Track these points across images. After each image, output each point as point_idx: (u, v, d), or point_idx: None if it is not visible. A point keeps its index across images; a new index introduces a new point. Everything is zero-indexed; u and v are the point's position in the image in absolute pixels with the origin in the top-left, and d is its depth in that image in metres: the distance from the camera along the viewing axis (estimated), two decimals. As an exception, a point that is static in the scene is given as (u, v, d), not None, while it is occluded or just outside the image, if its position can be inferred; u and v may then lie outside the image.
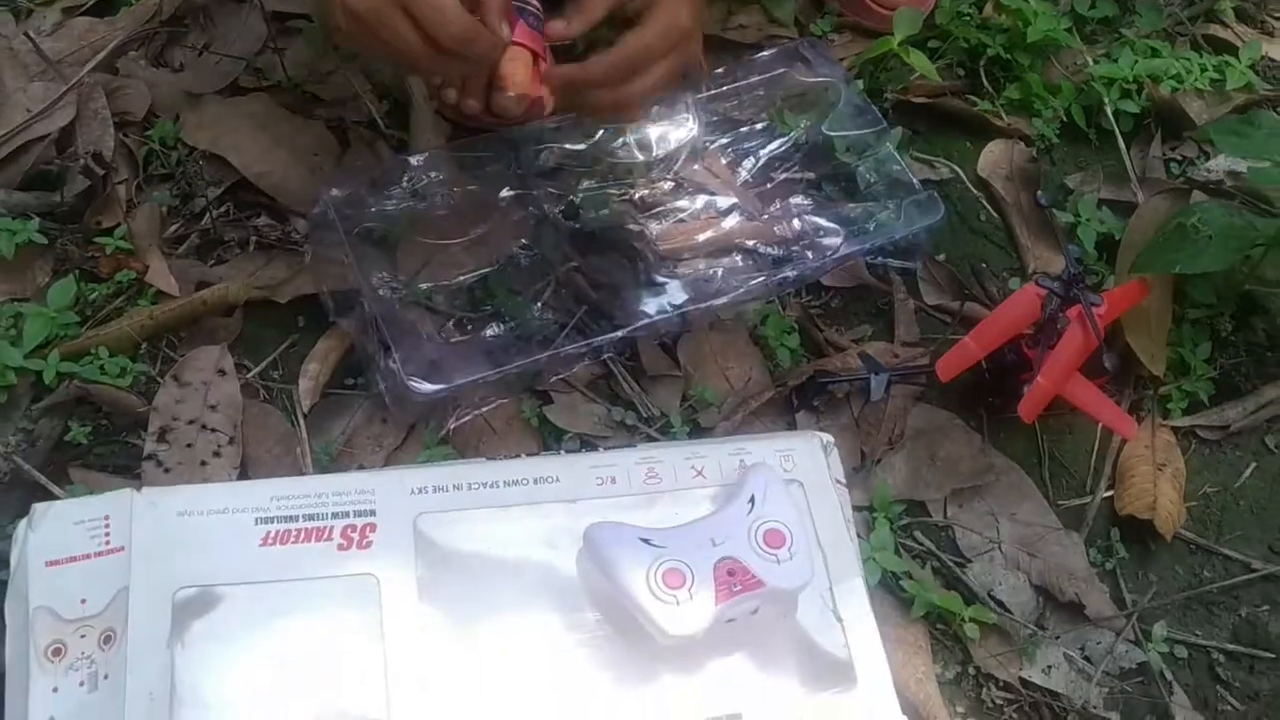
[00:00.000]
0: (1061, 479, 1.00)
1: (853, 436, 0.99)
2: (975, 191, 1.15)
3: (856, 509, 0.91)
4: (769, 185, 1.09)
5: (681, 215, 1.06)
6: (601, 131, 1.08)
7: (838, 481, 0.86)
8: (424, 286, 0.99)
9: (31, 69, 1.09)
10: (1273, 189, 1.09)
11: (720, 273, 1.02)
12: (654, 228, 1.04)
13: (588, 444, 0.95)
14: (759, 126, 1.13)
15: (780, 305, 1.05)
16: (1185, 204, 1.12)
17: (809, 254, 1.04)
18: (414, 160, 1.03)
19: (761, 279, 1.00)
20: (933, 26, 1.23)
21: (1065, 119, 1.20)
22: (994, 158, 1.17)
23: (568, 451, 0.93)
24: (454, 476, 0.81)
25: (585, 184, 1.06)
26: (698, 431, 0.97)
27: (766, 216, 1.07)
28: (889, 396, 0.99)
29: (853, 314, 1.08)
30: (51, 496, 0.87)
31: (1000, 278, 1.11)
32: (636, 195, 1.06)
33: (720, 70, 1.13)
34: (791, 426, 0.99)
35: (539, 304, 1.01)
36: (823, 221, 1.06)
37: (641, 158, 1.08)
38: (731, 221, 1.06)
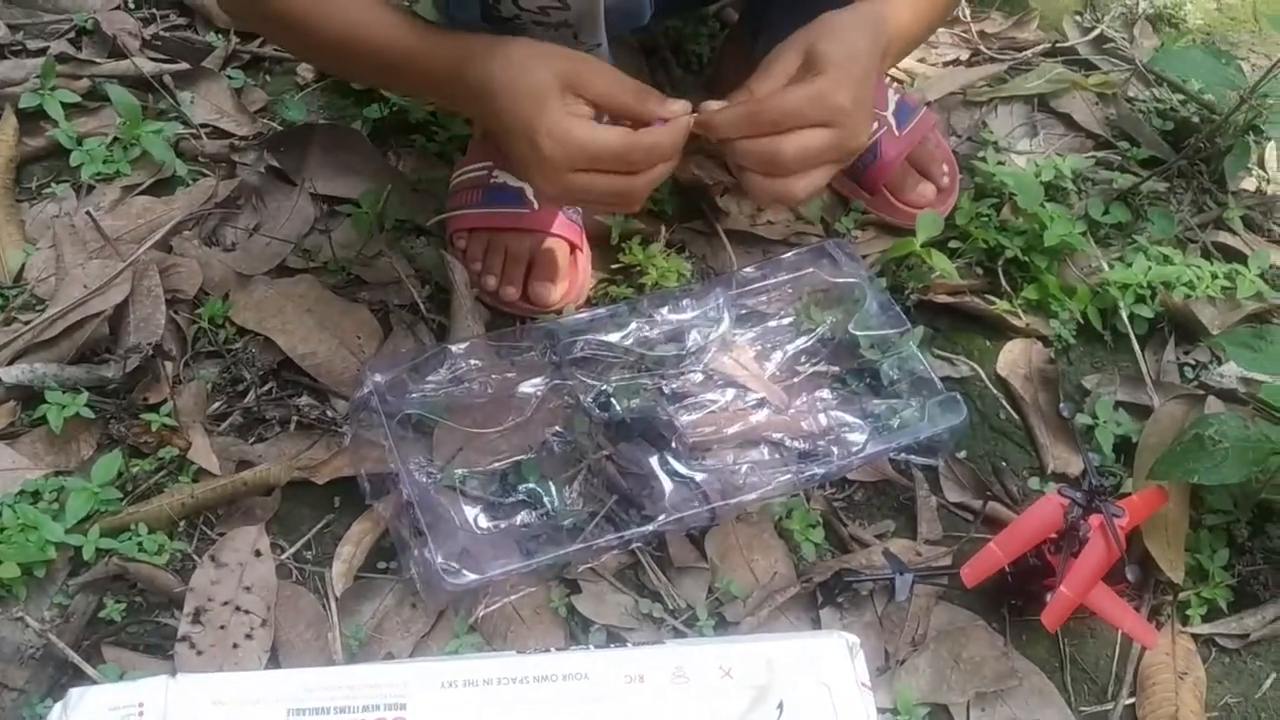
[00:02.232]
0: (1083, 684, 1.01)
1: (876, 635, 1.00)
2: (995, 390, 1.18)
3: (880, 710, 0.91)
4: (795, 379, 1.13)
5: (711, 407, 1.09)
6: (634, 324, 1.11)
7: (863, 685, 0.86)
8: (459, 472, 1.01)
9: (90, 245, 1.13)
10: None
11: (747, 467, 1.04)
12: (684, 419, 1.07)
13: (615, 637, 0.96)
14: (786, 322, 1.16)
15: (805, 498, 1.07)
16: (1200, 410, 1.14)
17: (834, 449, 1.06)
18: (455, 349, 1.06)
19: (789, 476, 1.03)
20: (953, 227, 1.27)
21: (1081, 321, 1.24)
22: (1012, 357, 1.20)
23: (597, 647, 0.93)
24: (485, 671, 0.82)
25: (618, 374, 1.10)
26: (723, 625, 0.98)
27: (793, 411, 1.10)
28: (913, 596, 1.01)
29: (876, 508, 1.09)
30: (84, 675, 0.88)
31: (1020, 476, 1.13)
32: (668, 387, 1.09)
33: (750, 267, 1.18)
34: (816, 621, 1.00)
35: (570, 491, 1.03)
36: (848, 417, 1.09)
37: (674, 350, 1.11)
38: (760, 415, 1.09)
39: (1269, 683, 1.03)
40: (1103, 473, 1.12)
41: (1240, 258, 1.33)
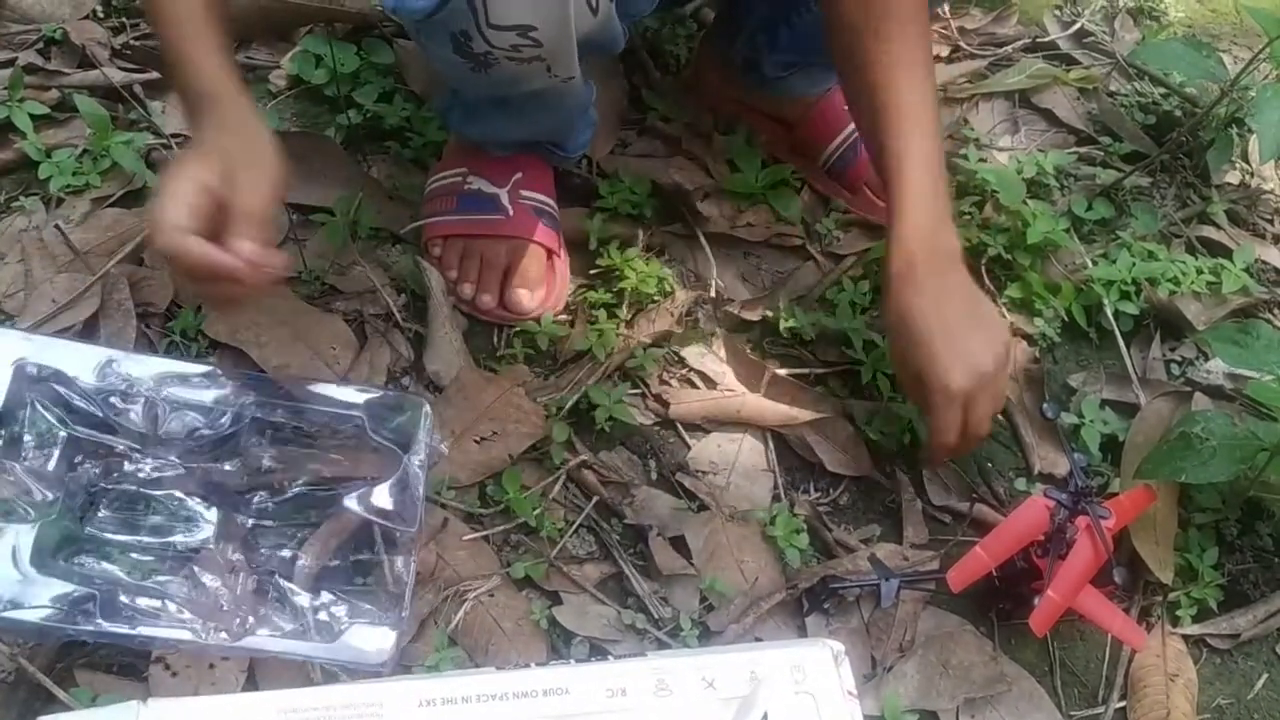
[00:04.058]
0: (1074, 688, 0.99)
1: (863, 641, 0.98)
2: (980, 390, 1.17)
3: (867, 718, 0.90)
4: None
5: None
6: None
7: (849, 693, 0.85)
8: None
9: (60, 259, 1.11)
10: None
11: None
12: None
13: (597, 649, 0.94)
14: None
15: (789, 503, 1.06)
16: (1187, 407, 1.13)
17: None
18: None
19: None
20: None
21: (1066, 318, 1.23)
22: (997, 356, 1.19)
23: (578, 661, 0.92)
24: (463, 688, 0.80)
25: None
26: (708, 635, 0.97)
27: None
28: (899, 601, 0.99)
29: (861, 512, 1.08)
30: (54, 699, 0.86)
31: (1007, 477, 1.12)
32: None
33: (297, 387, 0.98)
34: (801, 629, 0.99)
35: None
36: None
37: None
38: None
39: (1261, 683, 1.02)
40: (1090, 472, 1.11)
41: (1225, 252, 1.32)
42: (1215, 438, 1.01)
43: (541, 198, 1.17)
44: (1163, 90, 1.49)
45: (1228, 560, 1.07)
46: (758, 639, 0.97)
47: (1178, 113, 1.46)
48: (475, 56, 0.91)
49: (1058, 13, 1.59)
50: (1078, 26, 1.56)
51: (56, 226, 1.13)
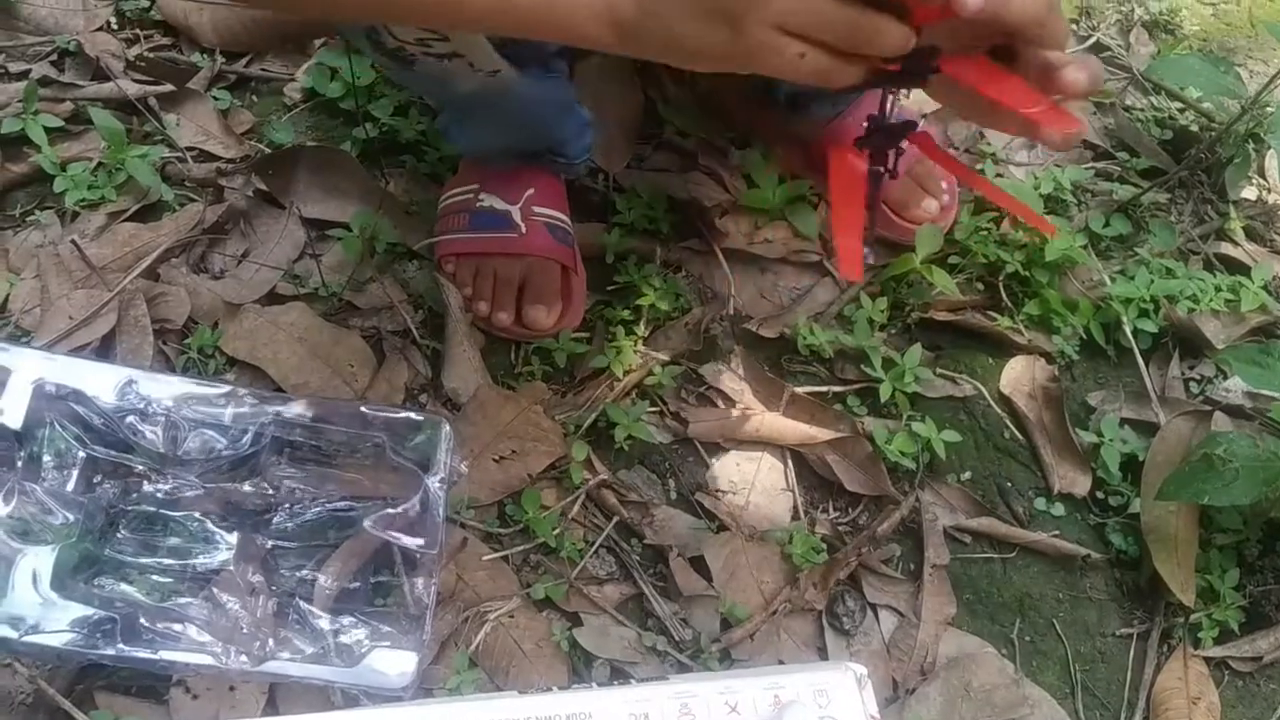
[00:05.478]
0: (1095, 711, 0.99)
1: (884, 663, 0.98)
2: (998, 409, 1.16)
3: (890, 743, 0.90)
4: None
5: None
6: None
7: (872, 717, 0.84)
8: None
9: (76, 275, 1.11)
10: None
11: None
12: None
13: (618, 672, 0.94)
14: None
15: (809, 522, 1.06)
16: (1207, 426, 1.13)
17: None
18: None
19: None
20: (953, 242, 1.26)
21: (1084, 336, 1.22)
22: (1015, 374, 1.18)
23: (600, 685, 0.92)
24: (485, 713, 0.80)
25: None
26: (728, 658, 0.96)
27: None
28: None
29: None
30: (74, 722, 0.86)
31: (1026, 497, 1.11)
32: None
33: (314, 409, 0.96)
34: (823, 650, 0.98)
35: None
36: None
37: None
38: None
39: (1283, 706, 1.01)
40: (1109, 492, 1.11)
41: (1243, 269, 1.31)
42: (1237, 459, 1.00)
43: (554, 213, 1.16)
44: (1179, 105, 1.49)
45: (1249, 581, 1.07)
46: (780, 661, 0.97)
47: (1194, 127, 1.45)
48: (393, 53, 0.91)
49: (1074, 27, 1.58)
50: (1093, 40, 1.56)
51: (72, 242, 1.13)
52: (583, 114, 1.15)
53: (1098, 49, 1.56)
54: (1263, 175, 1.42)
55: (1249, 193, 1.41)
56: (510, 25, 0.72)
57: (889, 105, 0.80)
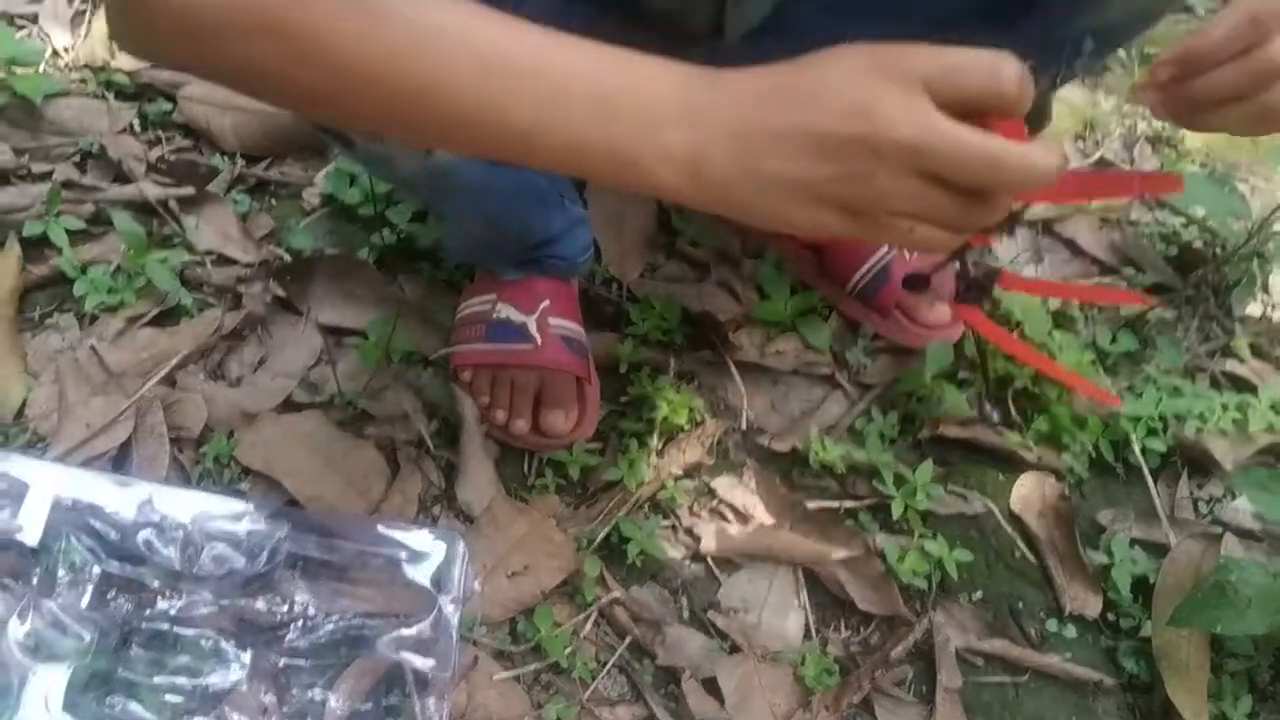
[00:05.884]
0: (1110, 842, 0.98)
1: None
2: (1009, 528, 1.16)
3: None
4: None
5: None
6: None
7: None
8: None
9: (94, 380, 1.12)
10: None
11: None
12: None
13: (631, 799, 0.93)
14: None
15: (821, 643, 1.05)
16: (1217, 549, 1.13)
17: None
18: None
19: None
20: (962, 357, 1.27)
21: (1093, 453, 1.23)
22: (1025, 492, 1.19)
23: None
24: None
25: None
26: (741, 784, 0.95)
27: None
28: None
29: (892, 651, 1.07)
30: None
31: (1038, 617, 1.11)
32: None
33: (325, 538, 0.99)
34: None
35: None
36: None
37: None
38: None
39: (1298, 839, 1.00)
40: (1121, 614, 1.11)
41: (1249, 387, 1.32)
42: (1250, 588, 1.01)
43: (569, 324, 1.17)
44: (1183, 220, 1.51)
45: (1261, 709, 1.06)
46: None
47: (1198, 243, 1.47)
48: (335, 135, 0.91)
49: (1080, 143, 1.61)
50: (1098, 156, 1.59)
51: (91, 347, 1.13)
52: (573, 210, 1.16)
53: (1102, 164, 1.59)
54: (1267, 291, 1.44)
55: (1254, 309, 1.43)
56: (574, 165, 0.66)
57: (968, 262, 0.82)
